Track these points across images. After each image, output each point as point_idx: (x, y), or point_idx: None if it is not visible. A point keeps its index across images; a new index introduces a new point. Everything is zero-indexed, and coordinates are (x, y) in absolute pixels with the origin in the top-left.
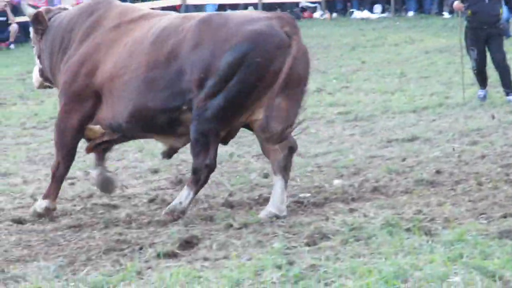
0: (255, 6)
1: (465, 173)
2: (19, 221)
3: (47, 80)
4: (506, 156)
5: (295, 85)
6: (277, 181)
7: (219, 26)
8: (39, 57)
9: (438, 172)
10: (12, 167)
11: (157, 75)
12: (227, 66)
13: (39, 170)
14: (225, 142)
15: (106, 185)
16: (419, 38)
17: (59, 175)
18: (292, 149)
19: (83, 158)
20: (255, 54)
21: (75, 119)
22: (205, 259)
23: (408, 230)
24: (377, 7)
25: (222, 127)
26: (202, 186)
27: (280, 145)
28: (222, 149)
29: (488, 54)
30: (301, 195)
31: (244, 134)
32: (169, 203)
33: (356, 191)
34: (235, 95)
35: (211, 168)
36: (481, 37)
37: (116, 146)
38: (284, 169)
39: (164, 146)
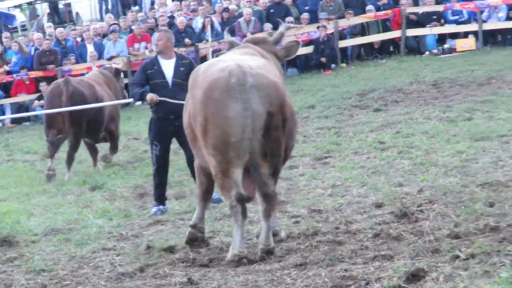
0: (475, 33)
1: None
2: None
3: None
4: None
5: None
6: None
7: None
8: None
9: None
10: None
11: None
12: None
13: None
14: None
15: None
16: None
17: None
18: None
19: (307, 196)
20: None
21: None
22: None
23: None
24: None
25: None
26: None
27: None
28: (446, 180)
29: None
30: None
31: (466, 164)
32: (393, 237)
33: None
34: None
35: None
36: (168, 131)
37: (339, 182)
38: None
39: None
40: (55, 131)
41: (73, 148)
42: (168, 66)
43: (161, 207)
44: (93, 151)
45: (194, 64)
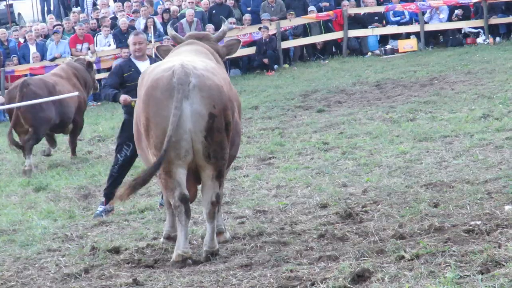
0: (417, 34)
1: None
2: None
3: None
4: None
5: None
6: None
7: None
8: None
9: None
10: None
11: None
12: None
13: None
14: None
15: None
16: None
17: None
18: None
19: (252, 197)
20: None
21: None
22: None
23: None
24: None
25: None
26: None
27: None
28: (390, 181)
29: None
30: (472, 222)
31: (410, 164)
32: (338, 238)
33: None
34: None
35: None
36: None
37: (283, 183)
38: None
39: None
40: (23, 135)
41: (35, 141)
42: (144, 68)
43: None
44: (52, 141)
45: None
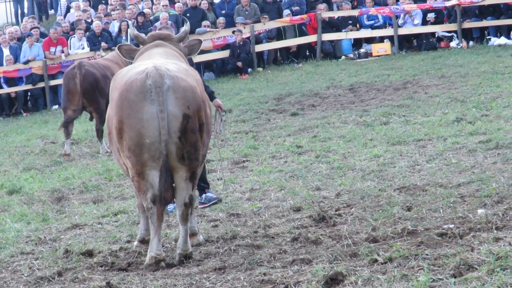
0: (390, 38)
1: None
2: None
3: None
4: None
5: None
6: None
7: None
8: None
9: None
10: None
11: None
12: None
13: None
14: None
15: None
16: None
17: None
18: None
19: (226, 200)
20: None
21: None
22: None
23: None
24: None
25: None
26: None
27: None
28: (364, 184)
29: None
30: (445, 226)
31: (384, 168)
32: (312, 241)
33: (501, 219)
34: None
35: None
36: None
37: (257, 187)
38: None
39: None
40: (71, 111)
41: (100, 123)
42: None
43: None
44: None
45: None
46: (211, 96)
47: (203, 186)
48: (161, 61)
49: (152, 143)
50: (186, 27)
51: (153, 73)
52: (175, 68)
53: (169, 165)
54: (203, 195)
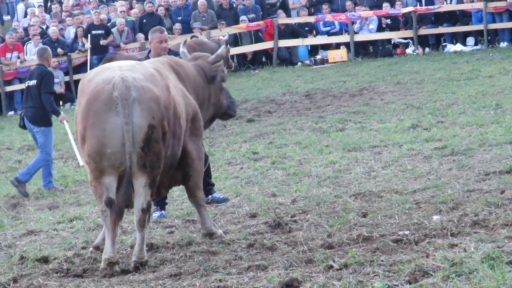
0: (346, 45)
1: None
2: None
3: None
4: None
5: None
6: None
7: None
8: None
9: None
10: None
11: None
12: None
13: None
14: None
15: None
16: None
17: None
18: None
19: (181, 206)
20: None
21: None
22: None
23: (510, 263)
24: (470, 40)
25: None
26: None
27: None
28: (319, 190)
29: None
30: (400, 232)
31: (339, 174)
32: (267, 247)
33: (456, 226)
34: None
35: None
36: None
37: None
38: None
39: None
40: None
41: None
42: None
43: (163, 212)
44: None
45: None
46: None
47: (209, 188)
48: (128, 67)
49: (114, 153)
50: (221, 50)
51: (119, 84)
52: (142, 76)
53: (131, 176)
54: (209, 196)
